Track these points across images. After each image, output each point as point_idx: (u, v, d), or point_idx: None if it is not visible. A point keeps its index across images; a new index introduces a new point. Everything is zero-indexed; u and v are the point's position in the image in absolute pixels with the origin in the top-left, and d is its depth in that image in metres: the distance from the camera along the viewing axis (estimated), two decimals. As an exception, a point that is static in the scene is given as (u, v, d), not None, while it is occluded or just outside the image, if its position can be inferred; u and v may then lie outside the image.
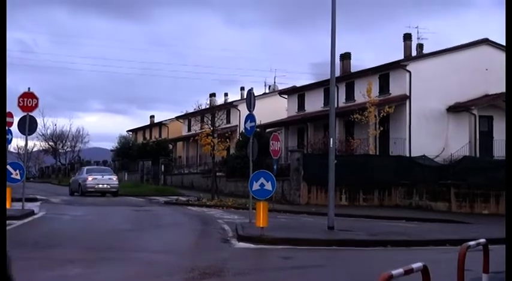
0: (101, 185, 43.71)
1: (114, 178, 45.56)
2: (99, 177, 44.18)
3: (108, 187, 43.93)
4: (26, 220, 21.87)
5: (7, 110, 30.87)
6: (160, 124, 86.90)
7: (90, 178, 43.62)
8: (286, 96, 59.13)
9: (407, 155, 40.92)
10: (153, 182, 61.35)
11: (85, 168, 49.16)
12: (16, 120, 28.37)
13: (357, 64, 53.17)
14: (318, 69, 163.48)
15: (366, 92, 41.34)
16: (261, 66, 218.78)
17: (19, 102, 25.71)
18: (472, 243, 8.38)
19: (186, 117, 71.34)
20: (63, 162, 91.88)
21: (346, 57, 53.78)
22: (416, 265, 5.87)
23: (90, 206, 31.55)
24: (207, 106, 53.76)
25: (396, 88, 44.32)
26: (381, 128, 41.69)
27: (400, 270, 5.50)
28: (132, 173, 68.37)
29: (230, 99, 74.58)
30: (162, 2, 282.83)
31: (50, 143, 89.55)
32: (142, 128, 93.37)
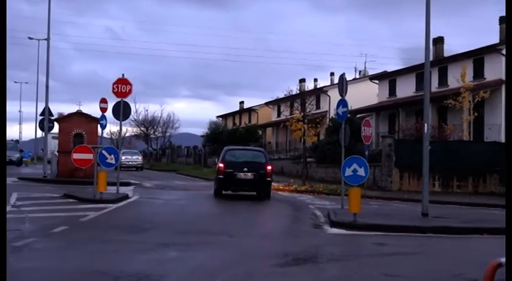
0: (130, 162, 59.00)
1: (140, 157, 63.59)
2: (129, 157, 60.34)
3: (135, 163, 60.44)
4: (120, 204, 22.25)
5: (102, 97, 31.62)
6: (250, 110, 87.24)
7: (123, 157, 54.96)
8: (377, 82, 58.52)
9: (503, 141, 39.82)
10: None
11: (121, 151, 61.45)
12: (110, 106, 28.86)
13: (448, 49, 51.91)
14: (406, 54, 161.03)
15: (459, 77, 40.44)
16: (348, 51, 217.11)
17: (113, 88, 26.02)
18: None
19: (276, 103, 71.51)
20: (155, 147, 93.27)
21: (439, 41, 52.68)
22: (526, 254, 5.62)
23: (182, 190, 31.90)
24: (297, 92, 53.71)
25: (491, 73, 43.17)
26: (475, 114, 40.60)
27: (510, 258, 5.28)
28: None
29: (320, 84, 74.14)
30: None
31: (142, 129, 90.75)
32: (232, 114, 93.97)
